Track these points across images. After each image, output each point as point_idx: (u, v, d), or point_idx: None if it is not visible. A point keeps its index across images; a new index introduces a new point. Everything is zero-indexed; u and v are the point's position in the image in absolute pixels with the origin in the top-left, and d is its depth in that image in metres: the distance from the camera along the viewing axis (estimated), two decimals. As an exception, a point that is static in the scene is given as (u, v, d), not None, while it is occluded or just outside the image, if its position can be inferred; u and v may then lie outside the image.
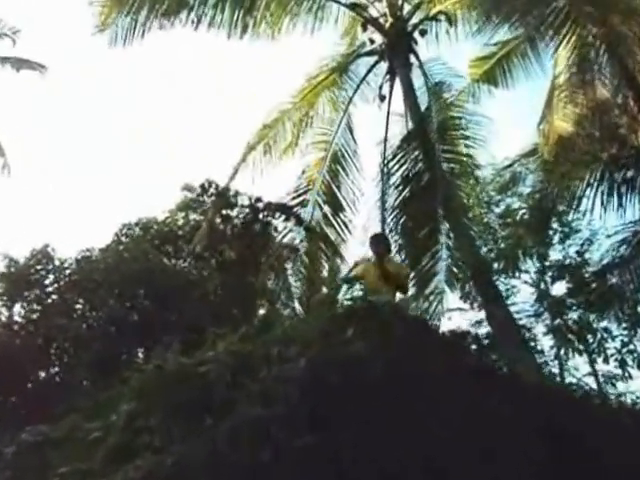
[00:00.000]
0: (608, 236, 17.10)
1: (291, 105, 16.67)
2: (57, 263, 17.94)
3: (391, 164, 14.94)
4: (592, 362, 17.71)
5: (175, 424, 8.49)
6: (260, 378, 8.75)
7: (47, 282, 17.90)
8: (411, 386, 7.24)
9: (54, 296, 17.59)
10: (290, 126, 16.60)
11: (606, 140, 16.19)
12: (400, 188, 14.46)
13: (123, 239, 19.42)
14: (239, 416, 8.01)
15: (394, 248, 14.35)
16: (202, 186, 13.72)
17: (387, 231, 14.85)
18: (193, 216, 20.51)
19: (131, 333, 15.93)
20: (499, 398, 7.80)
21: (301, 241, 14.45)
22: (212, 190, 13.58)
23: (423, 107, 15.37)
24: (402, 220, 14.05)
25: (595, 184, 16.68)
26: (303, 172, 15.50)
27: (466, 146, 14.30)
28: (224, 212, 13.51)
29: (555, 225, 18.99)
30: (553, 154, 16.15)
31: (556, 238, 19.67)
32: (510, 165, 18.68)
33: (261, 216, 13.19)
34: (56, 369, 16.78)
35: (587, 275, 19.11)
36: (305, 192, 15.26)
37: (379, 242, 9.98)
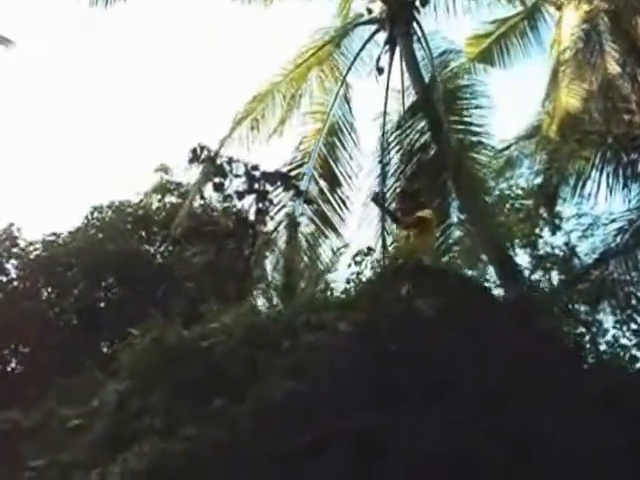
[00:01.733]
0: (613, 220, 16.01)
1: (282, 77, 15.16)
2: (22, 245, 16.09)
3: (393, 137, 13.54)
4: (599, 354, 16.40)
5: (180, 405, 6.87)
6: (284, 350, 7.20)
7: (10, 265, 16.05)
8: (484, 353, 5.79)
9: (18, 280, 15.70)
10: (280, 100, 15.07)
11: (613, 118, 15.05)
12: (404, 162, 13.04)
13: (94, 222, 17.62)
14: (266, 394, 6.45)
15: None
16: (193, 151, 12.01)
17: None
18: (170, 199, 18.86)
19: (104, 319, 14.17)
20: (572, 367, 6.43)
21: (300, 214, 12.90)
22: (204, 156, 11.92)
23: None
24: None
25: (600, 165, 15.60)
26: (300, 143, 13.96)
27: (478, 116, 12.98)
28: (216, 180, 11.86)
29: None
30: (559, 132, 14.97)
31: (548, 227, 18.49)
32: (506, 148, 17.45)
33: (257, 186, 11.60)
34: (19, 358, 14.86)
35: (580, 265, 17.98)
36: (301, 165, 13.73)
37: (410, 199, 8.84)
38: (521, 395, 5.30)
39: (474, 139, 12.91)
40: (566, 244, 18.56)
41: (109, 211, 18.26)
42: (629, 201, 16.98)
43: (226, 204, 12.39)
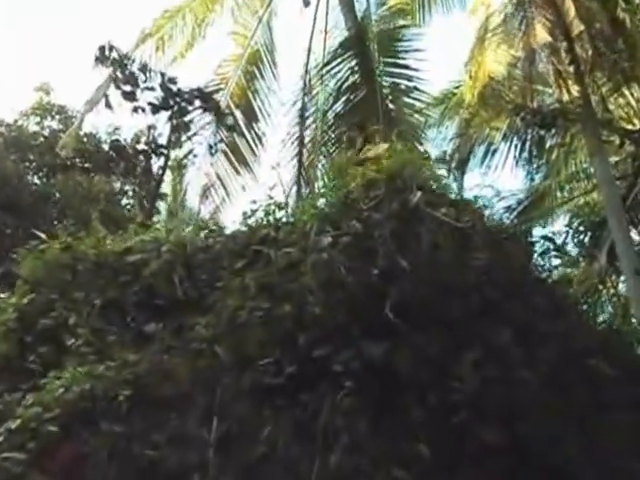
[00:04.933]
0: (512, 195, 15.68)
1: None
2: None
3: (319, 75, 12.30)
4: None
5: (109, 327, 5.35)
6: (237, 269, 5.80)
7: None
8: (516, 281, 4.74)
9: None
10: (191, 20, 13.29)
11: (529, 92, 14.58)
12: (331, 101, 11.85)
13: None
14: (227, 317, 5.06)
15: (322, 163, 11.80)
16: (101, 49, 10.02)
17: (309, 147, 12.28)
18: (50, 123, 16.60)
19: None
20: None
21: (220, 141, 11.33)
22: (113, 58, 10.00)
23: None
24: (333, 135, 11.47)
25: (510, 138, 15.21)
26: (219, 66, 12.32)
27: (415, 60, 11.94)
28: (126, 88, 9.99)
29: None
30: (479, 98, 14.33)
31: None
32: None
33: (173, 102, 9.90)
34: None
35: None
36: (217, 91, 12.11)
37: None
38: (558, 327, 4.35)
39: (409, 84, 11.91)
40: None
41: (-24, 129, 15.89)
42: (531, 178, 16.86)
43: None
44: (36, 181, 15.18)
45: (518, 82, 14.22)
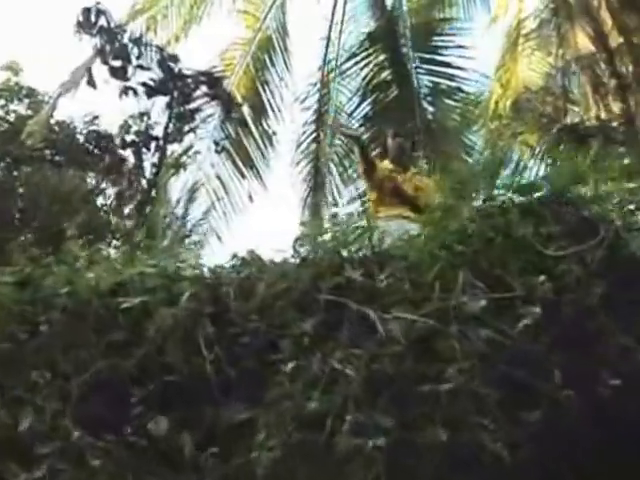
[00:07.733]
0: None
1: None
2: None
3: (339, 70, 10.14)
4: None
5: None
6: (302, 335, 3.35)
7: None
8: None
9: None
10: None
11: (563, 106, 12.74)
12: (356, 101, 9.72)
13: None
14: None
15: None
16: (85, 12, 7.61)
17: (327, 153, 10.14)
18: (16, 107, 14.09)
19: None
20: None
21: (226, 137, 9.03)
22: (102, 23, 7.65)
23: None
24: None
25: (541, 155, 13.33)
26: (227, 50, 10.01)
27: (458, 57, 9.86)
28: (115, 63, 7.67)
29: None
30: (512, 108, 12.41)
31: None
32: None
33: (173, 85, 7.61)
34: None
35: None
36: (222, 77, 9.78)
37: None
38: None
39: (451, 84, 9.82)
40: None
41: None
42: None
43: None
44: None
45: (554, 94, 12.54)
